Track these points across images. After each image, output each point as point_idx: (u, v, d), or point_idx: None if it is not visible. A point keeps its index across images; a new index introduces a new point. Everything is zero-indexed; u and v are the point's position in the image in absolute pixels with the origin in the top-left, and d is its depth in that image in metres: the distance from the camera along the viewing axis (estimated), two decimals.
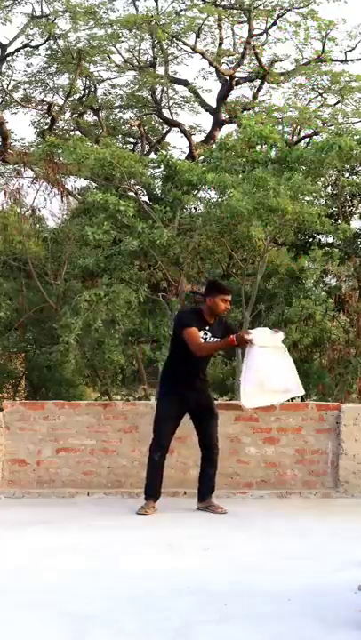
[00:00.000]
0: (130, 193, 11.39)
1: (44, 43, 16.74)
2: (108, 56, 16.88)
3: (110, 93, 17.96)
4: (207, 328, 6.67)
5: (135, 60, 17.03)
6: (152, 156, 16.09)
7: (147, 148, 17.68)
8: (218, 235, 10.22)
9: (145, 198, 12.25)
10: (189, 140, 16.71)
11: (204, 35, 16.68)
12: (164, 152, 14.82)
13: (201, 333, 6.62)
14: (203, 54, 16.50)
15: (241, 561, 5.25)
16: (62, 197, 11.58)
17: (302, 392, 6.74)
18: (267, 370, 6.44)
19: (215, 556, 5.36)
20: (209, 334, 6.67)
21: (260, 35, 16.56)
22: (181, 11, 16.40)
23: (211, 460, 6.81)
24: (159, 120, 17.92)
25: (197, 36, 16.48)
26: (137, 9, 16.87)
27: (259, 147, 10.63)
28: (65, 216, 13.03)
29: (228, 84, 16.62)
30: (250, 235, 9.68)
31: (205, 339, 6.64)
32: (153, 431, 6.78)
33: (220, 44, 16.65)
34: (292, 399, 11.84)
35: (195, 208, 11.48)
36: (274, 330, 6.77)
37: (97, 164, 10.45)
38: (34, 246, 11.53)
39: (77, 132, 17.00)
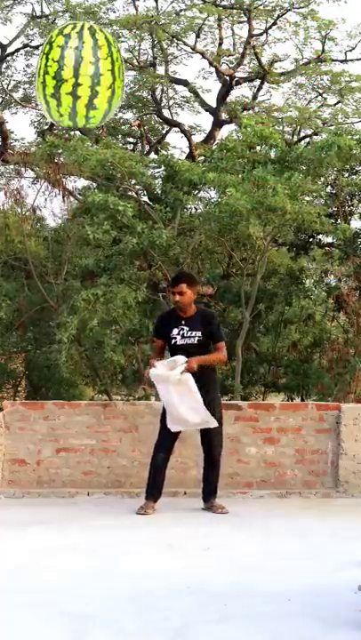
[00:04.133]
0: (130, 193, 11.39)
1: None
2: None
3: None
4: (183, 322, 6.71)
5: (135, 60, 17.01)
6: (152, 156, 16.07)
7: (147, 148, 17.66)
8: (217, 234, 10.23)
9: (145, 198, 12.25)
10: (189, 140, 16.68)
11: (204, 35, 16.65)
12: (165, 152, 14.83)
13: (175, 331, 6.70)
14: (203, 54, 16.48)
15: (241, 561, 5.25)
16: (64, 197, 11.57)
17: (216, 424, 6.67)
18: (174, 408, 6.51)
19: (215, 556, 5.37)
20: (186, 328, 6.69)
21: (260, 35, 16.53)
22: (181, 11, 16.38)
23: (211, 463, 6.81)
24: (159, 120, 17.89)
25: (197, 36, 16.44)
26: (137, 9, 16.84)
27: (259, 147, 10.63)
28: (66, 216, 13.02)
29: (228, 84, 16.60)
30: (249, 234, 9.68)
31: (182, 333, 6.70)
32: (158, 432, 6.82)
33: (220, 44, 16.62)
34: (291, 399, 11.94)
35: (195, 208, 11.48)
36: (176, 361, 6.59)
37: (98, 164, 10.45)
38: (34, 246, 11.54)
39: (77, 132, 16.98)
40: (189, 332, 6.70)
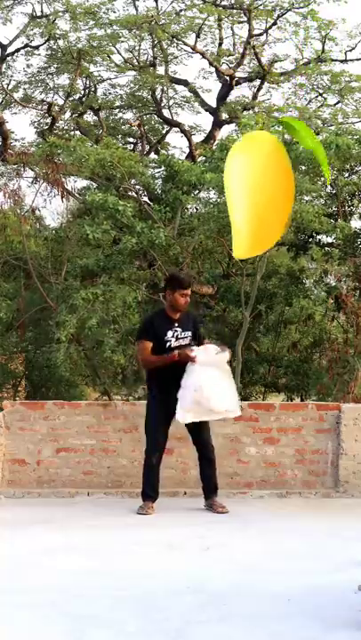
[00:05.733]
0: (130, 193, 11.39)
1: (45, 43, 16.72)
2: (108, 56, 16.85)
3: (110, 93, 17.95)
4: (176, 325, 6.69)
5: (135, 60, 17.00)
6: (152, 156, 16.07)
7: (147, 148, 17.66)
8: (217, 234, 10.22)
9: (145, 198, 12.25)
10: (189, 140, 16.68)
11: (204, 35, 16.64)
12: (166, 153, 14.82)
13: (170, 333, 6.65)
14: (203, 54, 16.47)
15: (241, 561, 5.25)
16: (62, 198, 11.55)
17: (239, 413, 6.69)
18: (205, 390, 6.42)
19: (215, 556, 5.37)
20: (179, 330, 6.69)
21: (260, 35, 16.51)
22: (181, 11, 16.38)
23: (207, 459, 6.81)
24: (159, 120, 17.89)
25: (197, 36, 16.43)
26: (137, 9, 16.84)
27: None
28: (66, 216, 13.02)
29: (228, 84, 16.60)
30: None
31: (176, 335, 6.67)
32: (145, 434, 6.79)
33: (220, 44, 16.61)
34: (291, 399, 11.93)
35: (196, 208, 11.47)
36: (220, 348, 6.66)
37: (97, 164, 10.45)
38: (34, 246, 11.52)
39: (77, 132, 16.97)
40: (183, 334, 6.74)
